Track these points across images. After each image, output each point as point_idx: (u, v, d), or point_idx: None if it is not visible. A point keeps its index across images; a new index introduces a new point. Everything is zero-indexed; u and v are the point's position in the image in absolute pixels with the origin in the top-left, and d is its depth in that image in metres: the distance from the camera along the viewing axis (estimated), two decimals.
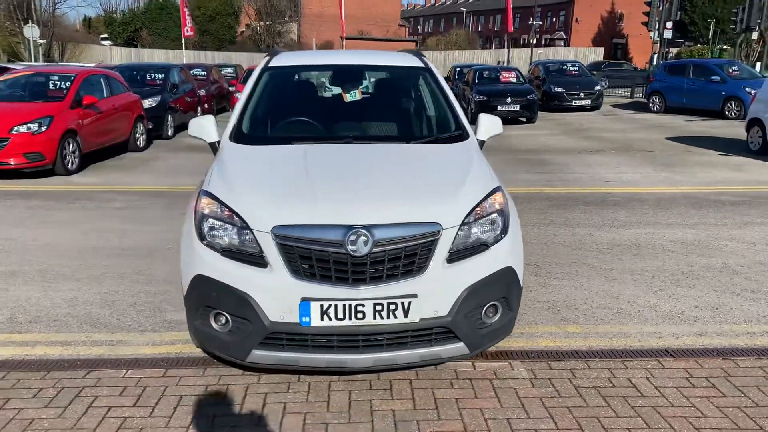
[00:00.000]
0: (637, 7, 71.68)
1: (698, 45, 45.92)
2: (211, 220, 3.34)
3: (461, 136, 4.10)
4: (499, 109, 17.16)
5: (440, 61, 42.57)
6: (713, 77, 19.37)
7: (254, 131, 4.27)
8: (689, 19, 48.84)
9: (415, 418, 3.17)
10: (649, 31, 36.73)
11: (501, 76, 19.28)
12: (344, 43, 34.77)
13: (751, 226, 6.95)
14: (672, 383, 3.54)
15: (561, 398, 3.37)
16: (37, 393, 3.41)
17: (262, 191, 3.37)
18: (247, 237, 3.20)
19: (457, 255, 3.22)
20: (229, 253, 3.24)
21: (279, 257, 3.12)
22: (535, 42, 44.43)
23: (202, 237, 3.33)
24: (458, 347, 3.26)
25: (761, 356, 3.86)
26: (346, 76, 4.71)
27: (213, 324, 3.27)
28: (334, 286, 3.08)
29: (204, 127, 4.34)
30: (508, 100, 17.55)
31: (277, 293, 3.11)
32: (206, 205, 3.40)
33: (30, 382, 3.53)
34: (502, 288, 3.33)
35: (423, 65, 4.73)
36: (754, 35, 37.16)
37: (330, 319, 3.07)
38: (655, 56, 34.18)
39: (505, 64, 37.10)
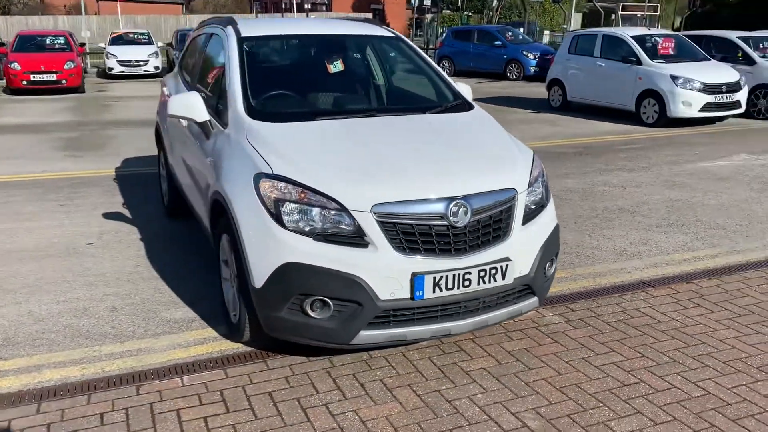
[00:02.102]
0: None
1: (448, 11, 49.98)
2: (291, 205, 3.15)
3: (467, 104, 4.27)
4: None
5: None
6: (495, 42, 21.42)
7: (267, 107, 3.99)
8: None
9: (509, 372, 3.38)
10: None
11: None
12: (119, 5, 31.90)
13: (608, 173, 8.10)
14: (670, 308, 4.18)
15: (606, 334, 3.82)
16: (103, 419, 2.98)
17: (345, 170, 3.25)
18: (344, 218, 3.10)
19: (527, 217, 3.45)
20: (323, 236, 3.11)
21: (381, 235, 3.08)
22: (295, 6, 44.60)
23: (282, 223, 3.14)
24: (533, 301, 3.52)
25: (710, 277, 4.69)
26: (327, 47, 4.57)
27: (309, 312, 3.13)
28: (441, 258, 3.14)
29: (192, 105, 3.96)
30: None
31: (386, 271, 3.08)
32: (280, 189, 3.19)
33: (80, 410, 3.06)
34: (556, 243, 3.65)
35: (393, 35, 4.76)
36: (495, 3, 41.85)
37: (441, 290, 3.14)
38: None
39: None
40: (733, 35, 13.25)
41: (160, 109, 5.91)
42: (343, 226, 3.11)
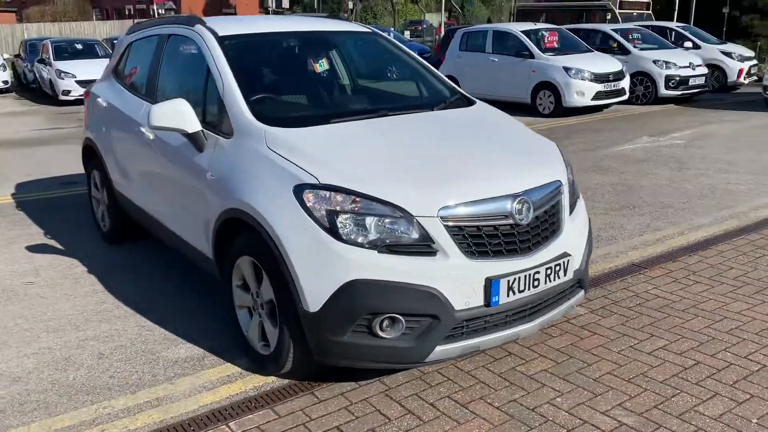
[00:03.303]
0: None
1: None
2: (347, 216, 2.84)
3: (465, 98, 4.12)
4: None
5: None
6: None
7: (276, 112, 3.58)
8: None
9: (571, 370, 3.28)
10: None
11: None
12: None
13: None
14: (674, 287, 4.29)
15: (635, 320, 3.83)
16: None
17: (400, 175, 2.98)
18: (409, 226, 2.84)
19: (571, 209, 3.37)
20: (387, 248, 2.83)
21: (450, 241, 2.86)
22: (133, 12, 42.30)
23: (340, 237, 2.82)
24: (581, 294, 3.44)
25: (689, 254, 4.89)
26: (311, 44, 4.22)
27: (378, 332, 2.84)
28: (510, 259, 2.97)
29: (182, 114, 3.47)
30: None
31: (459, 279, 2.86)
32: (332, 200, 2.86)
33: None
34: (590, 233, 3.60)
35: (369, 30, 4.50)
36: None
37: (514, 293, 2.97)
38: None
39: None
40: (608, 28, 14.19)
41: (92, 123, 5.23)
42: (409, 235, 2.85)
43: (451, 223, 2.86)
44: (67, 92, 16.05)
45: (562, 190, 3.30)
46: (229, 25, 4.06)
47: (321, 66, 4.08)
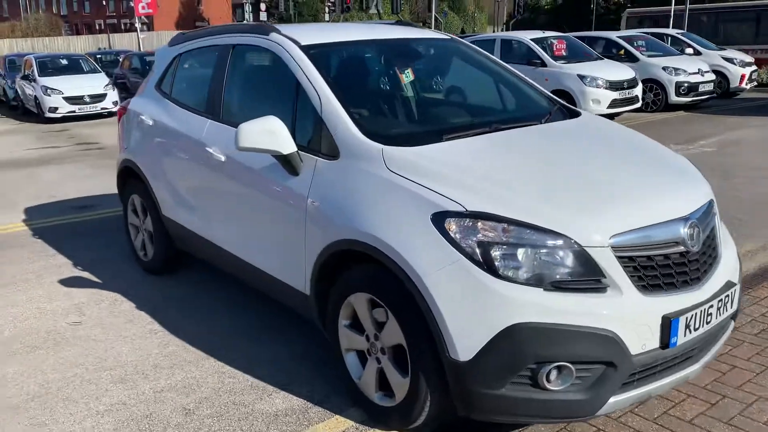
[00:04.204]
0: None
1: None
2: (504, 248, 2.45)
3: (569, 109, 3.77)
4: None
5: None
6: None
7: (385, 129, 3.18)
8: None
9: (733, 413, 2.93)
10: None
11: None
12: None
13: None
14: None
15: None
16: None
17: (557, 198, 2.60)
18: (576, 257, 2.45)
19: (721, 230, 3.03)
20: (551, 284, 2.44)
21: (622, 273, 2.48)
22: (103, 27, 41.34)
23: (496, 273, 2.43)
24: (732, 325, 3.06)
25: None
26: (398, 54, 3.82)
27: (544, 383, 2.44)
28: (683, 293, 2.59)
29: (276, 133, 3.06)
30: None
31: (635, 319, 2.48)
32: (484, 229, 2.47)
33: None
34: (738, 255, 3.25)
35: (449, 36, 4.13)
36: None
37: (690, 332, 2.60)
38: None
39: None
40: (614, 35, 14.04)
41: (133, 144, 4.76)
42: (576, 268, 2.46)
43: (622, 254, 2.49)
44: (54, 109, 15.40)
45: (716, 210, 2.96)
46: (306, 33, 3.64)
47: (407, 77, 3.70)
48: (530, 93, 3.86)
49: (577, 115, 3.69)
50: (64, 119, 15.63)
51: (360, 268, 2.87)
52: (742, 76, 14.90)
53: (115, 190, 7.17)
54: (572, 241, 2.45)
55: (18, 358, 3.70)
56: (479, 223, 2.49)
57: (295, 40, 3.49)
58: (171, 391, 3.30)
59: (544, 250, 2.45)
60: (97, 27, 70.43)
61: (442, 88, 3.94)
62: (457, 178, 2.68)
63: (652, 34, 15.41)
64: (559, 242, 2.45)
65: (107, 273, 4.99)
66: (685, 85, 12.79)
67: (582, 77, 11.53)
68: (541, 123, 3.46)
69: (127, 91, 17.53)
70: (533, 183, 2.70)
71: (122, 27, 65.63)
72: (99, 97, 15.85)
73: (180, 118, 4.22)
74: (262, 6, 47.25)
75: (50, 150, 11.56)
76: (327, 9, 47.80)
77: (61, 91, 15.52)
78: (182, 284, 4.70)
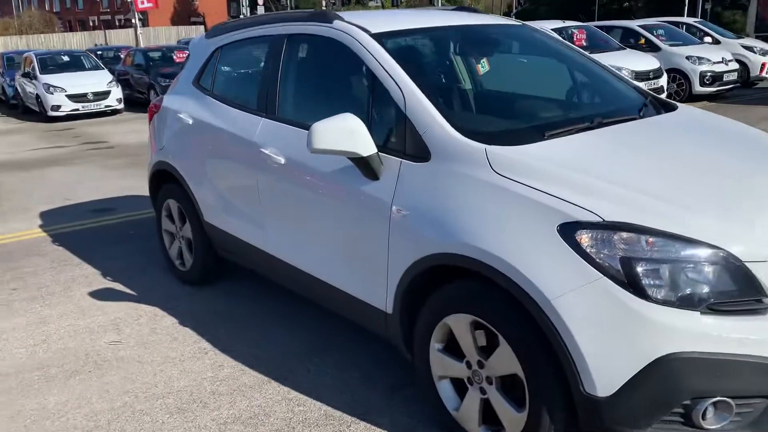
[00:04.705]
0: None
1: None
2: (648, 264, 2.10)
3: (662, 100, 3.41)
4: None
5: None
6: None
7: (481, 126, 2.82)
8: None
9: None
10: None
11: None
12: None
13: None
14: None
15: None
16: None
17: (705, 205, 2.25)
18: (733, 275, 2.11)
19: None
20: (708, 306, 2.09)
21: None
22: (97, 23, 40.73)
23: (644, 294, 2.08)
24: None
25: None
26: (475, 42, 3.46)
27: (700, 421, 2.10)
28: None
29: (355, 133, 2.70)
30: None
31: None
32: (625, 243, 2.13)
33: None
34: None
35: (520, 23, 3.77)
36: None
37: None
38: None
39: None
40: (634, 24, 13.69)
41: (169, 144, 4.38)
42: (734, 286, 2.11)
43: None
44: (56, 107, 14.97)
45: None
46: (372, 21, 3.27)
47: (483, 67, 3.34)
48: (616, 83, 3.50)
49: (672, 107, 3.34)
50: (68, 117, 15.20)
51: (461, 285, 2.52)
52: (763, 65, 14.56)
53: (134, 192, 6.77)
54: (729, 255, 2.10)
55: (58, 385, 3.34)
56: (619, 236, 2.14)
57: (364, 28, 3.12)
58: (237, 422, 2.94)
59: (698, 267, 2.10)
60: (91, 24, 69.80)
61: (525, 79, 3.57)
62: (581, 181, 2.33)
63: (669, 22, 15.05)
64: (715, 256, 2.10)
65: (141, 284, 4.63)
66: (710, 74, 12.45)
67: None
68: (640, 117, 3.10)
69: (130, 88, 17.08)
70: (667, 187, 2.35)
71: (117, 23, 65.01)
72: (103, 95, 15.42)
73: (226, 116, 3.84)
74: (260, 0, 46.76)
75: (56, 150, 11.16)
76: (325, 3, 47.35)
77: (64, 88, 15.08)
78: (226, 296, 4.34)
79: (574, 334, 2.14)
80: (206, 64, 4.20)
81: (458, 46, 3.48)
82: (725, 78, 12.63)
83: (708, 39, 14.54)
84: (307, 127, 3.09)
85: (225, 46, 4.08)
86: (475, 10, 3.89)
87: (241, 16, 40.37)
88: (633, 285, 2.09)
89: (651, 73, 11.49)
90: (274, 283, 3.84)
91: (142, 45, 26.84)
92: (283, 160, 3.30)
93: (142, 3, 27.25)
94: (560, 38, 3.77)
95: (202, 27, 51.79)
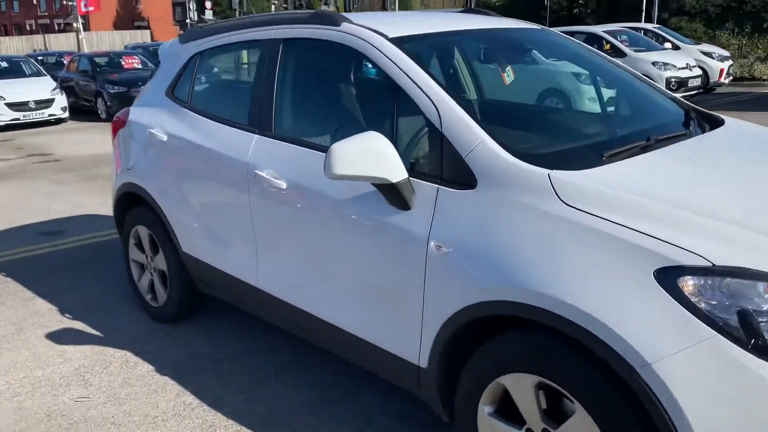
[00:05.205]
0: None
1: None
2: None
3: (707, 114, 3.08)
4: None
5: None
6: None
7: (535, 147, 2.39)
8: None
9: None
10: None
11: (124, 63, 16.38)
12: None
13: None
14: None
15: None
16: None
17: None
18: None
19: None
20: None
21: None
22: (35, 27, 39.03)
23: (762, 351, 1.70)
24: None
25: None
26: (498, 48, 3.05)
27: None
28: None
29: (383, 155, 2.26)
30: None
31: None
32: (734, 290, 1.75)
33: None
34: None
35: (539, 27, 3.39)
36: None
37: None
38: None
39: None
40: (599, 30, 13.62)
41: (138, 163, 3.84)
42: None
43: None
44: None
45: None
46: (384, 24, 2.83)
47: (509, 76, 2.94)
48: (652, 93, 3.16)
49: (717, 119, 3.01)
50: (7, 128, 14.19)
51: (523, 339, 2.10)
52: (721, 71, 14.71)
53: (88, 210, 6.19)
54: None
55: None
56: (733, 283, 1.76)
57: (380, 32, 2.68)
58: None
59: None
60: (28, 28, 67.18)
61: (558, 90, 3.19)
62: (673, 215, 1.94)
63: (631, 28, 15.09)
64: None
65: (106, 322, 4.06)
66: (675, 80, 12.47)
67: (577, 75, 10.98)
68: (693, 132, 2.75)
69: (75, 95, 16.12)
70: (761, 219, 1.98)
71: (56, 27, 62.68)
72: (45, 103, 14.46)
73: (208, 131, 3.34)
74: (208, 4, 45.71)
75: None
76: (273, 7, 46.57)
77: (3, 96, 14.07)
78: (208, 335, 3.82)
79: (682, 406, 1.74)
80: (182, 73, 3.67)
81: (484, 53, 3.08)
82: (690, 84, 12.67)
83: (668, 45, 14.61)
84: (313, 146, 2.65)
85: (205, 51, 3.57)
86: (485, 12, 3.49)
87: (188, 21, 39.62)
88: (756, 346, 1.71)
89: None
90: (268, 322, 3.36)
91: (85, 50, 25.71)
92: (284, 185, 2.83)
93: (86, 6, 26.15)
94: (581, 43, 3.41)
95: (147, 32, 50.43)
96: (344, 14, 2.92)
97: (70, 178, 8.73)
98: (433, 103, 2.38)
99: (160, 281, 3.92)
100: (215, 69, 3.64)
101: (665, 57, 12.75)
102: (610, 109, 3.15)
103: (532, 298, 1.99)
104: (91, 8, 26.96)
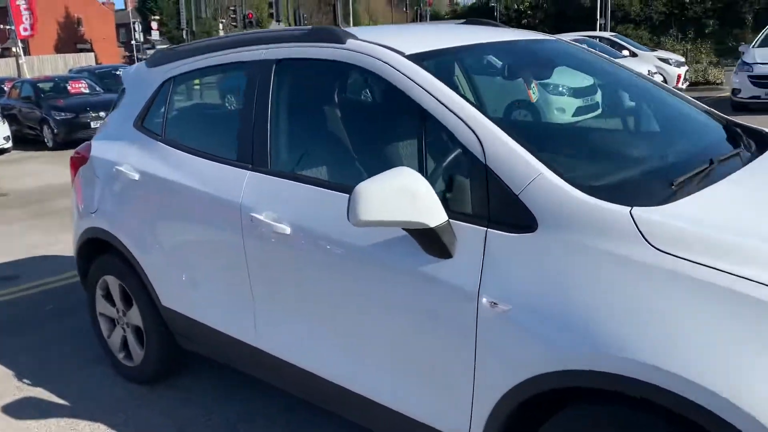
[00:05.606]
0: (94, 11, 69.35)
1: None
2: None
3: (751, 129, 2.79)
4: (93, 126, 13.84)
5: None
6: None
7: (597, 179, 2.02)
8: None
9: None
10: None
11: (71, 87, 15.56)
12: None
13: None
14: None
15: None
16: None
17: None
18: None
19: None
20: None
21: None
22: None
23: None
24: None
25: None
26: (521, 64, 2.70)
27: None
28: None
29: (418, 196, 1.88)
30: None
31: None
32: None
33: None
34: None
35: (554, 38, 3.07)
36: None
37: None
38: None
39: None
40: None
41: (105, 204, 3.36)
42: None
43: None
44: None
45: None
46: (397, 39, 2.45)
47: (534, 93, 2.61)
48: (690, 109, 2.85)
49: (761, 133, 2.72)
50: None
51: (613, 413, 1.73)
52: (678, 76, 14.86)
53: (42, 251, 5.70)
54: None
55: None
56: None
57: (395, 49, 2.30)
58: None
59: None
60: None
61: (596, 108, 2.87)
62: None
63: (589, 36, 15.12)
64: None
65: (73, 387, 3.54)
66: None
67: (544, 86, 10.83)
68: (752, 152, 2.44)
69: (18, 123, 15.25)
70: None
71: None
72: None
73: (189, 168, 2.90)
74: (154, 24, 44.79)
75: None
76: (222, 26, 45.87)
77: None
78: (190, 397, 3.35)
79: None
80: (152, 101, 3.22)
81: (508, 69, 2.73)
82: None
83: (626, 52, 14.67)
84: (321, 184, 2.25)
85: (179, 76, 3.12)
86: (492, 24, 3.14)
87: (133, 42, 38.51)
88: None
89: (587, 89, 11.27)
90: (258, 379, 2.92)
91: (27, 75, 24.59)
92: (288, 230, 2.41)
93: (25, 30, 25.13)
94: (603, 54, 3.10)
95: (91, 54, 48.99)
96: (347, 29, 2.53)
97: (20, 214, 8.06)
98: (471, 129, 2.01)
99: (135, 338, 3.44)
100: (192, 96, 3.19)
101: (626, 65, 12.71)
102: (654, 125, 2.83)
103: (637, 371, 1.62)
104: (31, 33, 25.93)
